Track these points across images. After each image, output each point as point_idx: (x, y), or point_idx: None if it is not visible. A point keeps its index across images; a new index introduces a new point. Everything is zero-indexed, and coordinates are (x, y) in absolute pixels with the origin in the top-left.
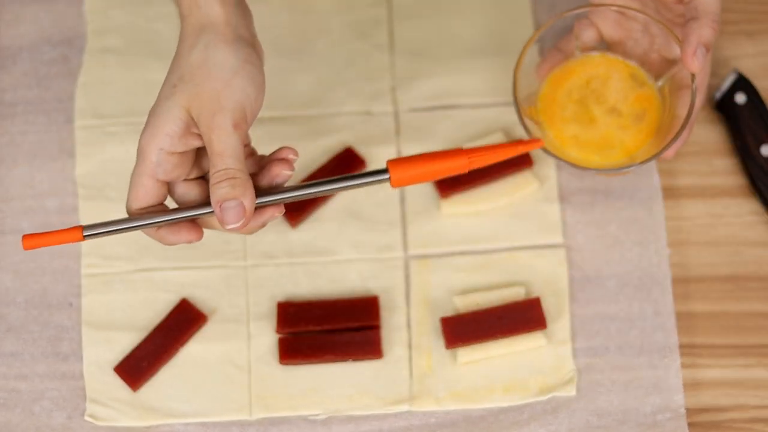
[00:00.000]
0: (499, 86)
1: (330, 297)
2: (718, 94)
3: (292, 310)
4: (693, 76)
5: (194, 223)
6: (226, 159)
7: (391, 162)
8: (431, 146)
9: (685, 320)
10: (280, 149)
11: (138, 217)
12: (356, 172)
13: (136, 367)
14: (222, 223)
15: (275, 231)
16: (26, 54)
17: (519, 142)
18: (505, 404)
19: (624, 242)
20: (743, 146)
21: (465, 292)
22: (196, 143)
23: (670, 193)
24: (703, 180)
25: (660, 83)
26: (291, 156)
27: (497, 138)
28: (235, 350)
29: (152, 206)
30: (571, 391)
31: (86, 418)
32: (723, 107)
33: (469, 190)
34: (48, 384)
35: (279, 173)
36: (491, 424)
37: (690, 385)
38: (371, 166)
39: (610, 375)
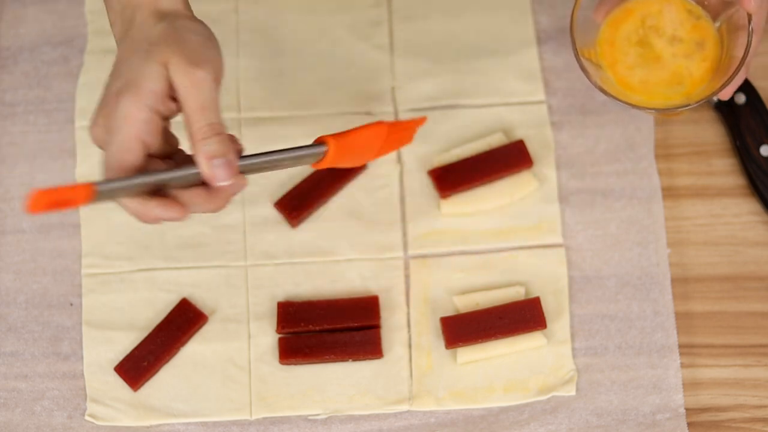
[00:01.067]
0: (499, 86)
1: (330, 297)
2: None
3: (292, 310)
4: (749, 16)
5: (178, 201)
6: (209, 114)
7: (325, 137)
8: (432, 146)
9: (684, 320)
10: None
11: (145, 173)
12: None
13: (137, 367)
14: (213, 179)
15: (275, 231)
16: (27, 54)
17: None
18: (505, 404)
19: (623, 242)
20: (743, 146)
21: (465, 292)
22: (174, 108)
23: (669, 193)
24: (703, 180)
25: (717, 24)
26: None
27: (497, 138)
28: (236, 350)
29: (132, 173)
30: (570, 391)
31: (87, 417)
32: (723, 107)
33: (469, 190)
34: (48, 384)
35: (237, 147)
36: (491, 423)
37: (689, 385)
38: (371, 167)
39: (609, 375)
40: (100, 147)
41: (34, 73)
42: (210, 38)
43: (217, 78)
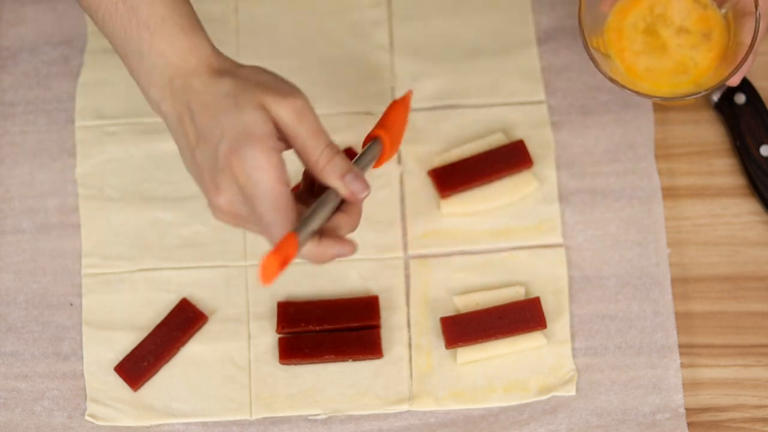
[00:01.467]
0: (499, 86)
1: (330, 297)
2: (718, 94)
3: (292, 310)
4: (756, 1)
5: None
6: (324, 136)
7: (374, 132)
8: (432, 147)
9: (684, 320)
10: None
11: (315, 209)
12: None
13: (137, 367)
14: (353, 195)
15: None
16: (27, 54)
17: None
18: (504, 404)
19: (623, 242)
20: (743, 146)
21: (465, 292)
22: (283, 146)
23: (669, 193)
24: (703, 180)
25: (724, 10)
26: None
27: (497, 138)
28: (236, 350)
29: (294, 216)
30: (570, 391)
31: (87, 417)
32: (722, 107)
33: (469, 190)
34: (48, 384)
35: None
36: (491, 423)
37: (689, 385)
38: None
39: (609, 375)
40: (236, 215)
41: (34, 73)
42: (276, 74)
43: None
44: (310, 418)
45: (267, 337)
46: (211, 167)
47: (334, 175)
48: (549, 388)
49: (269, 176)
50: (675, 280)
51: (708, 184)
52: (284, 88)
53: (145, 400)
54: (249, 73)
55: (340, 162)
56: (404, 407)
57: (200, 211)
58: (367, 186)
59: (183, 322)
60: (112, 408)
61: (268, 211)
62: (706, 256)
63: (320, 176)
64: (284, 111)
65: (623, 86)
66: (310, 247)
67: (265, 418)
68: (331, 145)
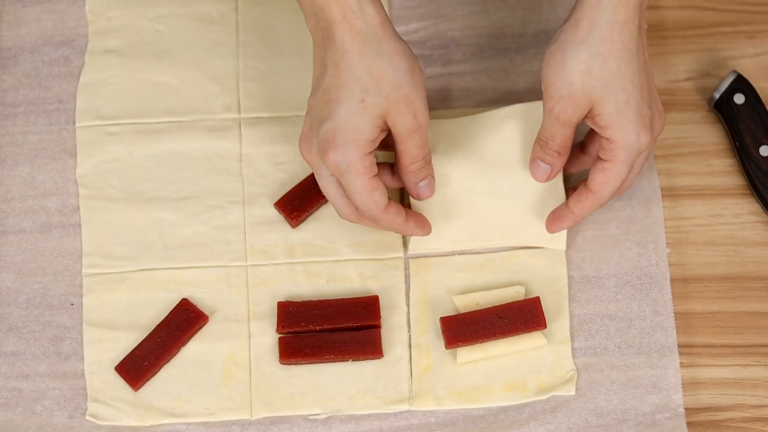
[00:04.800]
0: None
1: (330, 297)
2: (717, 95)
3: (292, 310)
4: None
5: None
6: (426, 147)
7: None
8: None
9: (683, 320)
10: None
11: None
12: None
13: (137, 367)
14: (419, 197)
15: (275, 231)
16: (28, 55)
17: None
18: (504, 403)
19: (623, 242)
20: (742, 146)
21: (465, 291)
22: (378, 144)
23: (669, 193)
24: (702, 180)
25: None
26: None
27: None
28: (236, 350)
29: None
30: (570, 391)
31: (87, 417)
32: (722, 107)
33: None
34: (49, 383)
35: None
36: (491, 423)
37: (689, 385)
38: None
39: (609, 374)
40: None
41: (34, 73)
42: (413, 69)
43: (427, 111)
44: (310, 417)
45: (267, 337)
46: (312, 124)
47: (412, 182)
48: (549, 388)
49: (360, 176)
50: (674, 280)
51: (707, 185)
52: (413, 100)
53: (146, 400)
54: (387, 63)
55: (425, 170)
56: (404, 407)
57: (201, 211)
58: (431, 193)
59: (183, 321)
60: (112, 408)
61: (367, 197)
62: (705, 256)
63: (402, 175)
64: (400, 128)
65: None
66: (402, 223)
67: (265, 418)
68: (426, 156)
